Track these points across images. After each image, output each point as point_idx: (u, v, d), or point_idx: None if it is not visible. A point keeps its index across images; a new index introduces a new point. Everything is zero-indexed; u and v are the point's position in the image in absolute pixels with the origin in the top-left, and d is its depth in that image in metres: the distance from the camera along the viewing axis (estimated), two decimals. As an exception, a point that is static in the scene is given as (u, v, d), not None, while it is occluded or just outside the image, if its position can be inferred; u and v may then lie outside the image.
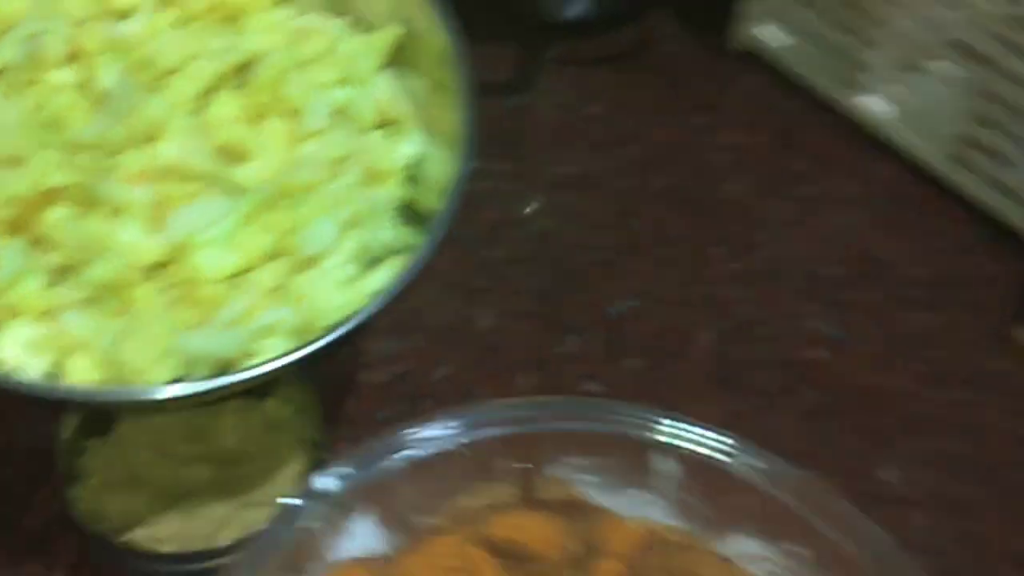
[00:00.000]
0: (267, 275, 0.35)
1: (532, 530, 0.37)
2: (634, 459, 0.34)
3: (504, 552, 0.37)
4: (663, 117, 0.55)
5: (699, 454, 0.33)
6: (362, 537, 0.33)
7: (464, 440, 0.33)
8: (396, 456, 0.33)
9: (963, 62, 0.48)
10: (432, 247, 0.35)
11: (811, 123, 0.54)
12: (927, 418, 0.45)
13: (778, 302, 0.48)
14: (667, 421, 0.33)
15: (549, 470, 0.35)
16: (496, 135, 0.40)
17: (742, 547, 0.34)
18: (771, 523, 0.33)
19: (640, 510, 0.35)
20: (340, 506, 0.32)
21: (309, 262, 0.36)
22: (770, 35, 0.55)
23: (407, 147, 0.39)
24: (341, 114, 0.38)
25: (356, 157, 0.38)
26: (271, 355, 0.33)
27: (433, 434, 0.33)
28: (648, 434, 0.34)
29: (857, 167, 0.53)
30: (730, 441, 0.33)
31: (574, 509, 0.36)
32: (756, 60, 0.56)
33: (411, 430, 0.33)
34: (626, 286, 0.48)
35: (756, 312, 0.48)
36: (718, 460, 0.33)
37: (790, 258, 0.50)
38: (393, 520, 0.34)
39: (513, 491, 0.35)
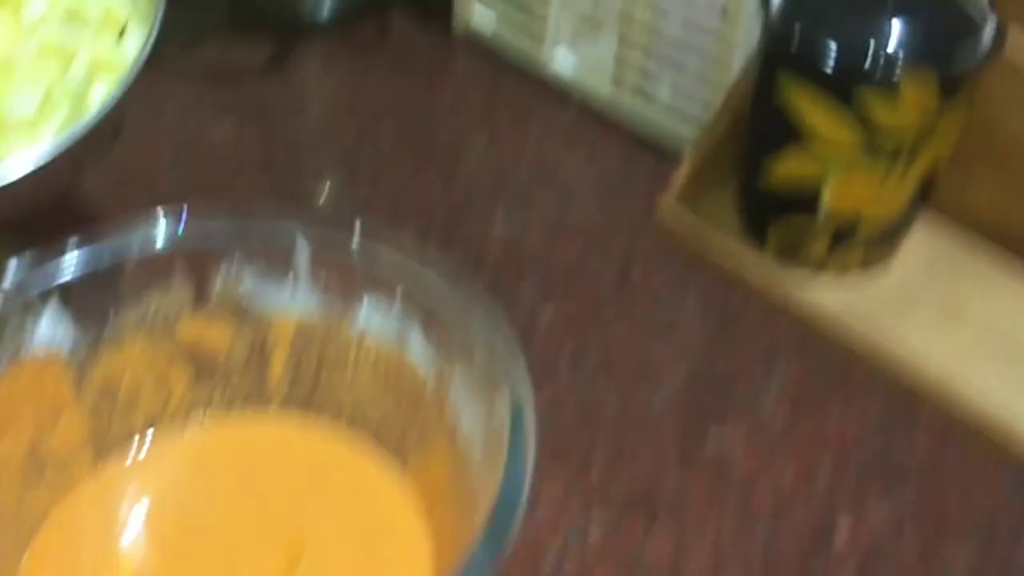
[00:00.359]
0: None
1: (211, 337, 0.45)
2: (282, 252, 0.43)
3: (188, 358, 0.45)
4: (393, 92, 0.66)
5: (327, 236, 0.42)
6: (53, 334, 0.41)
7: (141, 248, 0.42)
8: (83, 257, 0.41)
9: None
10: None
11: (511, 86, 0.66)
12: (578, 276, 0.54)
13: (472, 207, 0.58)
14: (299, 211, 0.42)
15: (218, 275, 0.43)
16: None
17: (367, 311, 0.42)
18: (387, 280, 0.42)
19: (290, 304, 0.43)
20: (29, 303, 0.40)
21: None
22: (478, 17, 0.68)
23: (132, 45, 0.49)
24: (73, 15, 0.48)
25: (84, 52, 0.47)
26: None
27: (115, 242, 0.41)
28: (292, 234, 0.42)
29: (544, 116, 0.64)
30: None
31: (241, 313, 0.44)
32: (474, 41, 0.68)
33: (92, 236, 0.41)
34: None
35: (454, 215, 0.58)
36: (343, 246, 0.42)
37: (485, 177, 0.60)
38: (85, 319, 0.42)
39: (189, 297, 0.44)
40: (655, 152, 0.61)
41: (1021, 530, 0.43)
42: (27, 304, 0.40)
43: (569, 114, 0.64)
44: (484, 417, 0.39)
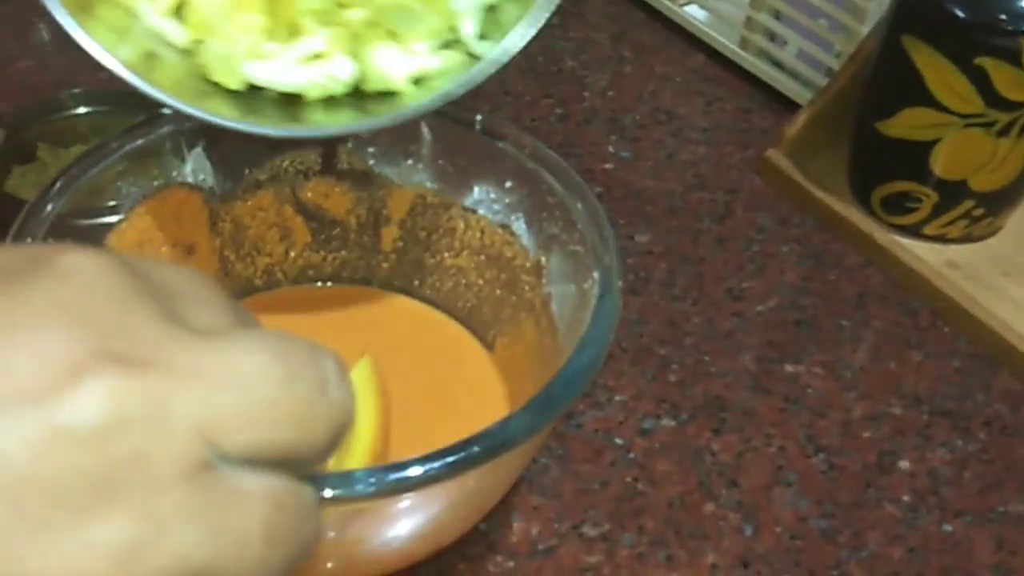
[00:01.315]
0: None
1: (333, 197, 0.48)
2: (408, 132, 0.46)
3: (311, 215, 0.49)
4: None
5: (450, 126, 0.45)
6: (198, 170, 0.45)
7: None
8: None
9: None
10: None
11: (643, 25, 0.68)
12: (680, 208, 0.56)
13: (586, 136, 0.61)
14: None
15: (345, 141, 0.47)
16: None
17: (478, 196, 0.45)
18: (500, 171, 0.44)
19: (410, 177, 0.47)
20: (182, 135, 0.44)
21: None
22: (617, -36, 0.70)
23: None
24: None
25: None
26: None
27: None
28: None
29: (672, 56, 0.66)
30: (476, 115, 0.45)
31: (363, 179, 0.48)
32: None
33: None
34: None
35: (568, 141, 0.61)
36: (464, 129, 0.45)
37: (603, 109, 0.63)
38: (224, 162, 0.46)
39: (316, 159, 0.47)
40: (774, 108, 0.63)
41: (1083, 497, 0.44)
42: (180, 136, 0.44)
43: (694, 61, 0.66)
44: (574, 298, 0.41)
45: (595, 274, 0.39)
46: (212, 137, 0.45)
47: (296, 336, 0.22)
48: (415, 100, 0.37)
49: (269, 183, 0.47)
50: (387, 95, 0.38)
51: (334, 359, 0.22)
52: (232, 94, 0.38)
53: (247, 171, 0.47)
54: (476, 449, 0.31)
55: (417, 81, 0.38)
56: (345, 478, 0.30)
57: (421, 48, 0.38)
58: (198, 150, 0.45)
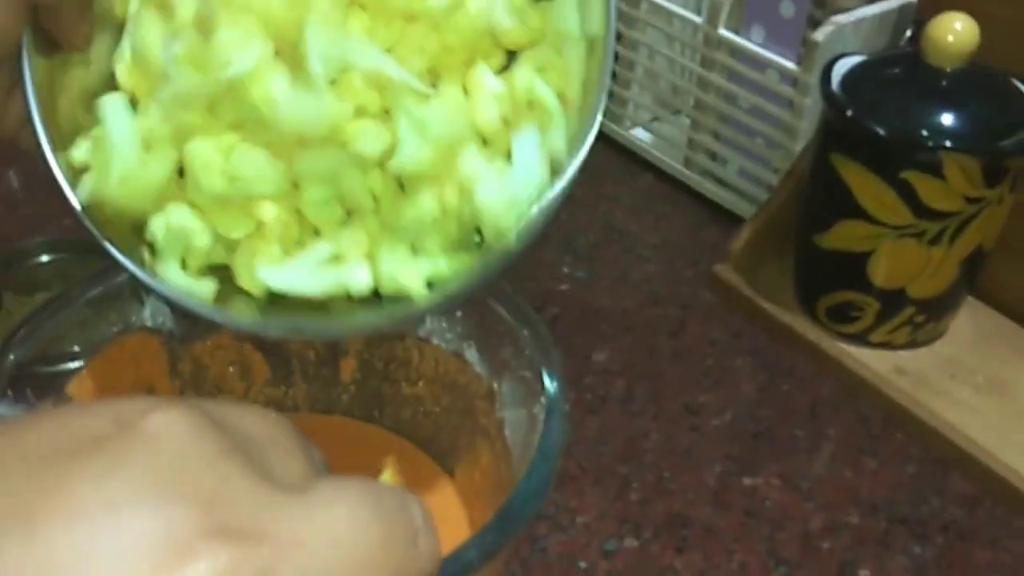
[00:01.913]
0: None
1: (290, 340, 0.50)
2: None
3: (269, 355, 0.50)
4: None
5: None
6: (156, 313, 0.46)
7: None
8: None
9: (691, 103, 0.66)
10: None
11: (593, 148, 0.71)
12: (636, 325, 0.58)
13: (542, 258, 0.63)
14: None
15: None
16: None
17: (431, 325, 0.47)
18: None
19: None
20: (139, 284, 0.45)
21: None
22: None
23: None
24: None
25: None
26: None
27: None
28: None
29: (621, 177, 0.69)
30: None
31: (320, 315, 0.49)
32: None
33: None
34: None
35: (525, 263, 0.62)
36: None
37: (556, 231, 0.65)
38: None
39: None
40: (721, 223, 0.65)
41: (1044, 598, 0.44)
42: (137, 285, 0.45)
43: (643, 181, 0.69)
44: (525, 423, 0.42)
45: (542, 399, 0.40)
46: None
47: (381, 484, 0.22)
48: (429, 302, 0.37)
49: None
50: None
51: (419, 505, 0.23)
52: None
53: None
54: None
55: (430, 284, 0.38)
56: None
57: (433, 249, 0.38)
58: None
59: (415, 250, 0.38)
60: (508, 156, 0.38)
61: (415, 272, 0.38)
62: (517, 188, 0.37)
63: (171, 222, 0.36)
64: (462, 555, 0.34)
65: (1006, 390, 0.53)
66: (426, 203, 0.36)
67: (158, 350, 0.47)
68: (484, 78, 0.38)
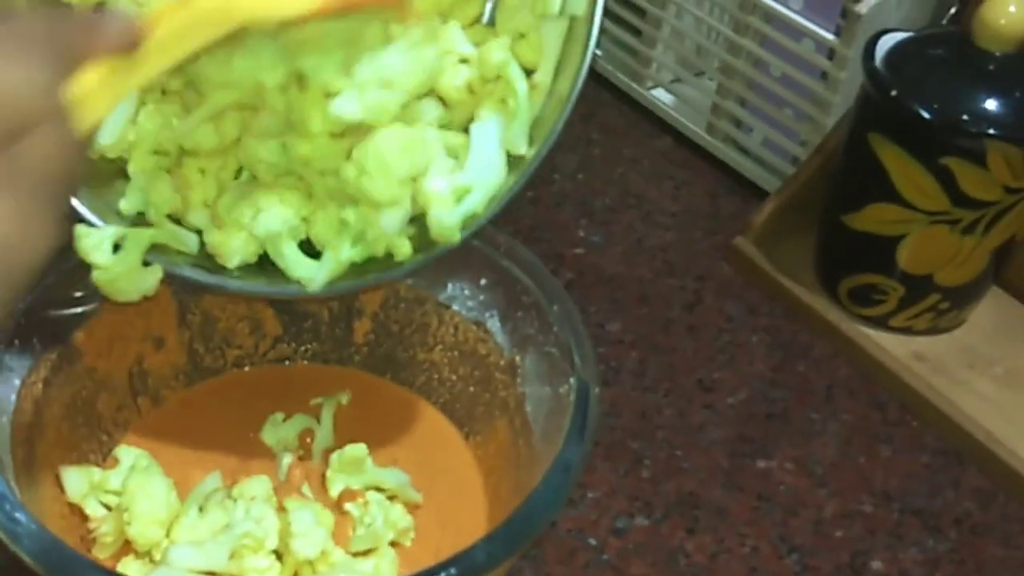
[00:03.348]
0: None
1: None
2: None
3: (283, 309, 0.48)
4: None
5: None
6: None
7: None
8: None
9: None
10: None
11: (611, 107, 0.69)
12: (651, 295, 0.57)
13: (557, 219, 0.61)
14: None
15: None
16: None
17: (453, 291, 0.45)
18: (474, 269, 0.44)
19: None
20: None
21: None
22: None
23: None
24: None
25: None
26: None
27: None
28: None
29: (639, 138, 0.67)
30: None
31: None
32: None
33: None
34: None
35: (539, 224, 0.61)
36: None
37: (573, 192, 0.63)
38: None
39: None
40: (741, 193, 0.63)
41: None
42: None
43: (662, 144, 0.67)
44: (549, 401, 0.41)
45: (571, 380, 0.39)
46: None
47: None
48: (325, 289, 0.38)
49: (240, 275, 0.47)
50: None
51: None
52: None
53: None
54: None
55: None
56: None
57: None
58: (168, 243, 0.45)
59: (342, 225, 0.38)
60: (466, 129, 0.38)
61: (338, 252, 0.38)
62: (468, 181, 0.37)
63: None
64: (474, 556, 0.33)
65: (1022, 382, 0.52)
66: (350, 172, 0.36)
67: (168, 301, 0.46)
68: (455, 39, 0.37)
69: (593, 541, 0.45)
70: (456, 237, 0.37)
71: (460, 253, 0.44)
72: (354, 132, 0.36)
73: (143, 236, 0.38)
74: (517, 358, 0.43)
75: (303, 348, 0.48)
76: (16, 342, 0.40)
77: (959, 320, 0.55)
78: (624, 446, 0.49)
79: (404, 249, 0.38)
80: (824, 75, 0.57)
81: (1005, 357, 0.53)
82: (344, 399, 0.47)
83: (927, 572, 0.45)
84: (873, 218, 0.51)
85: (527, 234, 0.60)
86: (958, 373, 0.52)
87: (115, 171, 0.39)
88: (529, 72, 0.38)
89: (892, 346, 0.53)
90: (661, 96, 0.68)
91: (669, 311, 0.56)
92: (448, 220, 0.36)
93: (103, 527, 0.40)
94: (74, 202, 0.37)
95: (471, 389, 0.45)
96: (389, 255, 0.38)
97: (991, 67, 0.47)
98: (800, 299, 0.56)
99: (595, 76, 0.70)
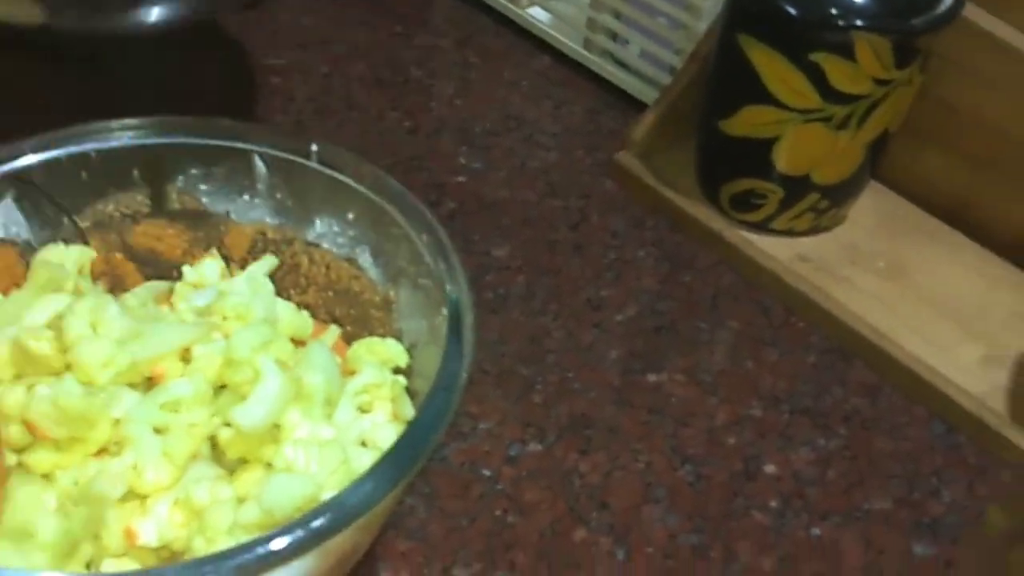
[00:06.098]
0: None
1: (167, 240, 0.45)
2: (241, 167, 0.43)
3: (143, 259, 0.46)
4: (369, 31, 0.67)
5: (285, 158, 0.43)
6: (9, 223, 0.42)
7: (95, 147, 0.42)
8: (35, 152, 0.41)
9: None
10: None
11: (488, 30, 0.67)
12: (535, 218, 0.56)
13: (437, 148, 0.59)
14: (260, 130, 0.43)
15: (174, 181, 0.44)
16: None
17: (321, 229, 0.43)
18: (340, 204, 0.43)
19: (247, 213, 0.44)
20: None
21: None
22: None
23: None
24: None
25: None
26: None
27: (73, 140, 0.42)
28: (247, 145, 0.43)
29: (518, 60, 0.65)
30: (312, 145, 0.43)
31: (198, 218, 0.45)
32: (452, -11, 0.69)
33: (49, 134, 0.42)
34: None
35: (418, 154, 0.59)
36: (300, 161, 0.43)
37: (451, 118, 0.61)
38: (38, 212, 0.42)
39: (146, 201, 0.44)
40: (622, 108, 0.62)
41: (939, 479, 0.45)
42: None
43: (540, 64, 0.65)
44: (425, 334, 0.40)
45: (444, 310, 0.38)
46: (22, 187, 0.41)
47: None
48: None
49: (94, 230, 0.44)
50: None
51: None
52: None
53: (66, 219, 0.44)
54: (323, 521, 0.29)
55: None
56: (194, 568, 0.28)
57: None
58: (7, 201, 0.42)
59: None
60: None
61: None
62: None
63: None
64: (356, 493, 0.31)
65: (907, 274, 0.53)
66: None
67: (14, 261, 0.43)
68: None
69: (487, 472, 0.44)
70: None
71: (326, 188, 0.43)
72: None
73: None
74: (391, 293, 0.42)
75: (170, 301, 0.46)
76: None
77: (840, 218, 0.55)
78: (515, 373, 0.48)
79: None
80: (693, -21, 0.56)
81: (887, 251, 0.54)
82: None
83: (819, 470, 0.45)
84: (748, 121, 0.51)
85: (406, 164, 0.58)
86: (841, 271, 0.53)
87: None
88: None
89: (775, 249, 0.53)
90: (538, 14, 0.67)
91: (555, 232, 0.55)
92: None
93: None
94: None
95: (348, 328, 0.44)
96: None
97: (853, -42, 0.47)
98: (684, 210, 0.55)
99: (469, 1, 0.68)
